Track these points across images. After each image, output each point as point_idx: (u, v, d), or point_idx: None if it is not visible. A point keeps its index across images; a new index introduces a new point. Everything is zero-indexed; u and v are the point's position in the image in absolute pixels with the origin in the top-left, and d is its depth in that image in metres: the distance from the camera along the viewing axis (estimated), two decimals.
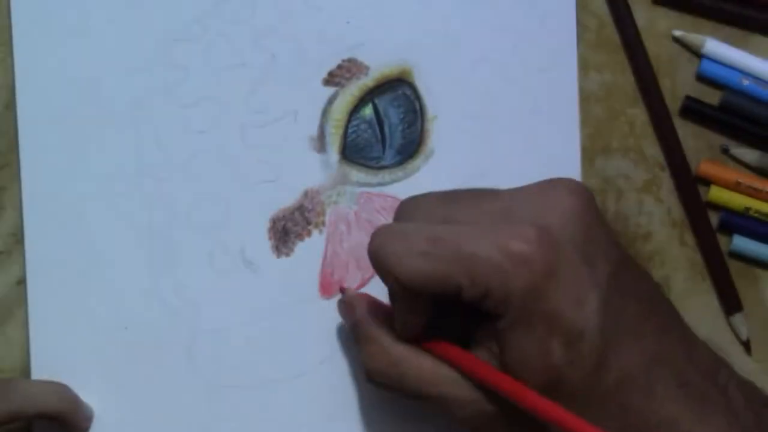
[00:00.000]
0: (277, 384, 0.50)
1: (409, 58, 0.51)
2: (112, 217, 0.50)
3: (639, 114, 0.52)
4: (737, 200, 0.51)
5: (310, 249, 0.50)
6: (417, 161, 0.51)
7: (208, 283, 0.50)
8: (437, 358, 0.43)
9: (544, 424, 0.40)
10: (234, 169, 0.50)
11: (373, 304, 0.46)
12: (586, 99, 0.52)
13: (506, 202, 0.42)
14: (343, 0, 0.51)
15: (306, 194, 0.51)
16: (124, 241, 0.50)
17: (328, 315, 0.50)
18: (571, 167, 0.51)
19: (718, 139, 0.52)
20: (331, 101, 0.51)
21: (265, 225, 0.50)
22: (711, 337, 0.51)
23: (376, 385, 0.44)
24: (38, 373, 0.49)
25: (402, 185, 0.51)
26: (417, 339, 0.43)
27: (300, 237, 0.50)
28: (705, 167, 0.52)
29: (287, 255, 0.50)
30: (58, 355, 0.49)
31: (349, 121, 0.51)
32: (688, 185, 0.52)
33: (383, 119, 0.51)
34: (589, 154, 0.52)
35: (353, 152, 0.51)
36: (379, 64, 0.51)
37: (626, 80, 0.52)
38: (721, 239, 0.52)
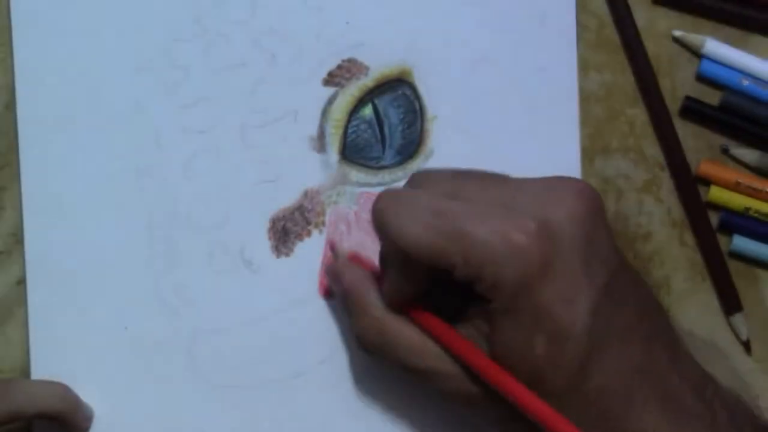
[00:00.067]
0: (276, 384, 0.50)
1: (408, 58, 0.51)
2: (112, 217, 0.50)
3: (639, 114, 0.52)
4: (737, 200, 0.51)
5: (310, 249, 0.50)
6: (417, 161, 0.51)
7: (207, 283, 0.50)
8: (426, 332, 0.43)
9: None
10: (234, 169, 0.50)
11: (363, 268, 0.46)
12: (586, 99, 0.52)
13: (513, 190, 0.42)
14: (342, 0, 0.51)
15: (306, 194, 0.51)
16: (124, 241, 0.50)
17: (328, 315, 0.50)
18: (571, 167, 0.51)
19: (718, 139, 0.52)
20: (331, 101, 0.51)
21: (265, 225, 0.50)
22: (711, 337, 0.51)
23: (369, 353, 0.45)
24: (38, 373, 0.49)
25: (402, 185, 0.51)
26: (403, 306, 0.44)
27: (300, 237, 0.50)
28: (705, 167, 0.51)
29: (287, 255, 0.50)
30: (58, 355, 0.49)
31: (349, 121, 0.51)
32: (688, 185, 0.52)
33: (383, 119, 0.51)
34: (589, 154, 0.52)
35: (353, 152, 0.51)
36: (379, 65, 0.51)
37: (626, 80, 0.52)
38: (721, 239, 0.52)
